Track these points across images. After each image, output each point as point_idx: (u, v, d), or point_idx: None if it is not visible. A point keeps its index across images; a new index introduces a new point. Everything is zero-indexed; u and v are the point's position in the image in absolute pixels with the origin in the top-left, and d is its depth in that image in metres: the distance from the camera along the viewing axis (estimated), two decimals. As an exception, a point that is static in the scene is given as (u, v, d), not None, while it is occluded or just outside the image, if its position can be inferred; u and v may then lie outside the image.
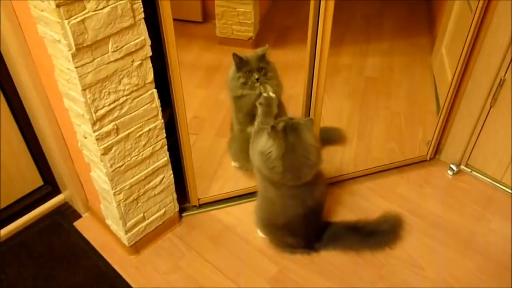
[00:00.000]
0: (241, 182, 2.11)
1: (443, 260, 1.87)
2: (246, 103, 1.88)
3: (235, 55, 1.81)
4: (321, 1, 1.57)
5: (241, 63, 1.82)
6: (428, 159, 2.26)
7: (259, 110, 1.76)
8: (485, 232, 1.96)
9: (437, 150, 2.27)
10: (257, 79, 1.81)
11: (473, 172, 2.20)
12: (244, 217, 2.02)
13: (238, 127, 1.98)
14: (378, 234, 1.90)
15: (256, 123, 1.79)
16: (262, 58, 1.82)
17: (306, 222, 1.79)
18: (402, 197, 2.10)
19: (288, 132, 1.60)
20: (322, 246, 1.89)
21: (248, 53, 1.85)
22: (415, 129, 2.37)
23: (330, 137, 2.27)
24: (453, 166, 2.22)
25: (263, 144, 1.63)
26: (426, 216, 2.03)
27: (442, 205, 2.07)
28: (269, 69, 1.84)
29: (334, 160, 2.23)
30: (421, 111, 2.47)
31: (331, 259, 1.87)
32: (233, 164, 2.19)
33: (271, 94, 1.81)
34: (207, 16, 2.79)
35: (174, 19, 1.51)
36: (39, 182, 2.01)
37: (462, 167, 2.23)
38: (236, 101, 1.92)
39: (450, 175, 2.21)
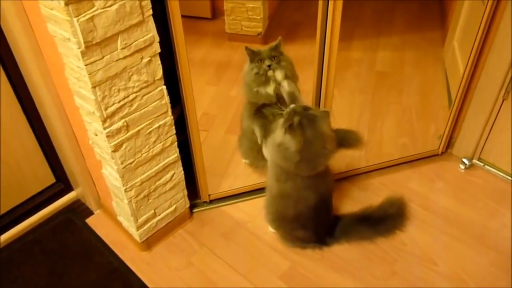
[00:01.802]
0: (251, 178, 2.11)
1: (456, 255, 1.85)
2: (260, 99, 1.86)
3: (247, 48, 1.80)
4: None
5: (253, 54, 1.81)
6: (440, 153, 2.24)
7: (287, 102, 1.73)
8: (498, 227, 1.94)
9: (449, 144, 2.25)
10: (269, 66, 1.78)
11: (486, 166, 2.18)
12: (255, 213, 2.02)
13: (247, 125, 1.98)
14: (387, 219, 1.90)
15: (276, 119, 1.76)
16: (275, 48, 1.80)
17: (317, 213, 1.79)
18: (414, 192, 2.09)
19: (304, 126, 1.58)
20: (335, 240, 1.89)
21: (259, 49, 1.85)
22: (426, 123, 2.35)
23: (346, 140, 2.24)
24: (465, 160, 2.19)
25: (280, 137, 1.62)
26: (438, 211, 2.01)
27: (455, 200, 2.05)
28: (282, 58, 1.81)
29: (345, 155, 2.22)
30: (433, 105, 2.45)
31: (343, 254, 1.86)
32: (244, 161, 2.19)
33: (280, 78, 1.78)
34: (216, 12, 2.79)
35: (183, 16, 1.51)
36: (51, 179, 2.03)
37: (475, 161, 2.20)
38: (250, 98, 1.89)
39: (463, 169, 2.19)
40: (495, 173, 2.15)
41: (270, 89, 1.82)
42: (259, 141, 1.92)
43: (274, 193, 1.81)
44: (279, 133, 1.63)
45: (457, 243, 1.89)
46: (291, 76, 1.83)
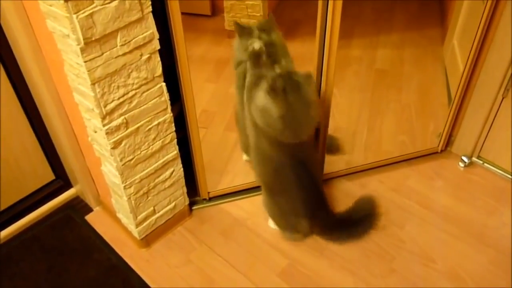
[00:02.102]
0: (251, 176, 2.11)
1: (454, 253, 1.85)
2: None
3: (236, 23, 1.75)
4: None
5: (242, 30, 1.75)
6: (439, 151, 2.24)
7: (248, 63, 1.69)
8: (497, 225, 1.94)
9: (449, 142, 2.25)
10: (259, 38, 1.72)
11: (485, 164, 2.18)
12: (254, 210, 2.03)
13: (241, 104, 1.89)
14: (359, 221, 1.91)
15: (248, 75, 1.72)
16: (265, 23, 1.76)
17: (302, 185, 1.74)
18: (412, 190, 2.09)
19: (288, 91, 1.54)
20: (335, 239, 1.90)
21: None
22: (426, 121, 2.35)
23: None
24: (464, 158, 2.19)
25: (263, 101, 1.58)
26: (437, 209, 2.01)
27: (454, 198, 2.06)
28: (273, 31, 1.75)
29: (344, 152, 2.22)
30: (432, 103, 2.45)
31: (342, 252, 1.86)
32: (244, 157, 2.19)
33: (256, 45, 1.71)
34: (216, 9, 2.78)
35: (183, 13, 1.51)
36: (50, 176, 2.03)
37: (474, 159, 2.21)
38: (240, 71, 1.82)
39: (462, 167, 2.19)
40: (495, 171, 2.16)
41: (255, 44, 1.73)
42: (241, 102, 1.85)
43: (255, 155, 1.78)
44: (261, 97, 1.59)
45: (456, 241, 1.89)
46: (283, 54, 1.77)
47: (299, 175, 1.73)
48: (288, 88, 1.55)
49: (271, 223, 1.95)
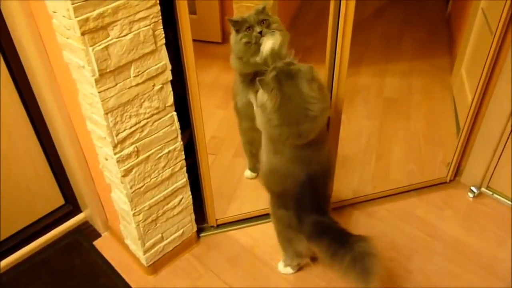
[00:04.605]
0: (259, 202, 2.12)
1: (463, 284, 1.83)
2: (249, 68, 1.70)
3: (229, 20, 1.65)
4: (340, 22, 1.58)
5: (238, 24, 1.65)
6: (448, 181, 2.24)
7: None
8: (506, 257, 1.92)
9: (457, 172, 2.24)
10: (260, 32, 1.62)
11: (495, 195, 2.17)
12: (262, 238, 2.02)
13: (242, 102, 1.83)
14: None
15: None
16: (261, 11, 1.64)
17: (301, 193, 1.60)
18: (421, 220, 2.08)
19: (282, 81, 1.45)
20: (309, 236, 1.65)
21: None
22: (435, 150, 2.35)
23: None
24: (474, 189, 2.18)
25: (260, 97, 1.50)
26: (446, 239, 2.00)
27: (463, 229, 2.04)
28: (272, 20, 1.65)
29: (352, 181, 2.22)
30: (441, 132, 2.45)
31: (348, 282, 1.85)
32: (247, 174, 2.19)
33: (268, 47, 1.61)
34: (227, 36, 2.82)
35: (194, 40, 1.53)
36: (60, 201, 2.05)
37: (483, 189, 2.20)
38: (243, 69, 1.74)
39: (471, 197, 2.18)
40: (504, 202, 2.14)
41: (259, 58, 1.66)
42: (254, 109, 1.70)
43: (264, 167, 1.66)
44: (259, 94, 1.51)
45: (464, 273, 1.88)
46: (284, 36, 1.68)
47: (301, 184, 1.58)
48: (282, 76, 1.45)
49: (281, 266, 1.91)
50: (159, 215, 1.77)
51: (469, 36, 2.36)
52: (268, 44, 1.63)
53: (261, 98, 1.50)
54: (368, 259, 1.49)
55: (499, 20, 1.77)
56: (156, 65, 1.45)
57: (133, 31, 1.34)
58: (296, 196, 1.61)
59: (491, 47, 1.84)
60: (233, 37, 1.72)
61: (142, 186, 1.64)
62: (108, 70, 1.34)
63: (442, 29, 3.16)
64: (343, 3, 1.53)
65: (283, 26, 1.71)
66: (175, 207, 1.81)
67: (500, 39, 1.81)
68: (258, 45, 1.65)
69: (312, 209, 1.62)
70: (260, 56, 1.66)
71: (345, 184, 2.20)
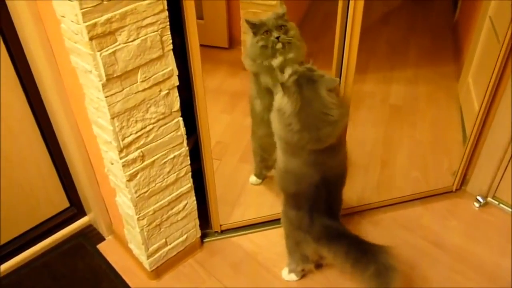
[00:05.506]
0: (264, 209, 2.11)
1: (468, 295, 1.82)
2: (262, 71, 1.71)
3: (247, 21, 1.65)
4: (347, 28, 1.58)
5: (256, 27, 1.65)
6: (453, 190, 2.23)
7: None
8: (510, 267, 1.92)
9: (463, 181, 2.23)
10: (277, 38, 1.63)
11: (501, 205, 2.16)
12: (265, 245, 2.02)
13: (260, 106, 1.83)
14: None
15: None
16: (281, 16, 1.65)
17: (316, 194, 1.61)
18: (426, 229, 2.07)
19: (303, 85, 1.47)
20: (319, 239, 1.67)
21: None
22: (440, 158, 2.34)
23: None
24: (479, 198, 2.17)
25: (279, 100, 1.51)
26: (450, 249, 1.99)
27: (468, 238, 2.03)
28: (290, 27, 1.67)
29: (356, 189, 2.21)
30: (446, 141, 2.44)
31: (353, 291, 1.84)
32: (251, 180, 2.19)
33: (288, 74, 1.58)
34: (233, 42, 2.83)
35: (201, 45, 1.53)
36: (65, 204, 2.05)
37: (489, 199, 2.18)
38: (257, 73, 1.75)
39: (477, 207, 2.17)
40: (510, 212, 2.13)
41: (275, 62, 1.68)
42: (271, 114, 1.68)
43: (280, 167, 1.67)
44: (278, 97, 1.53)
45: (468, 282, 1.86)
46: (301, 48, 1.70)
47: (316, 186, 1.60)
48: (302, 81, 1.47)
49: (285, 273, 1.90)
50: (163, 220, 1.77)
51: (477, 44, 2.35)
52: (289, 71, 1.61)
53: (280, 102, 1.52)
54: (392, 273, 1.54)
55: (507, 29, 1.76)
56: (163, 70, 1.45)
57: (141, 37, 1.34)
58: (310, 196, 1.63)
59: (499, 56, 1.83)
60: (249, 39, 1.71)
61: (146, 191, 1.64)
62: (115, 75, 1.34)
63: (448, 36, 3.16)
64: (351, 3, 1.52)
65: (299, 33, 1.71)
66: (179, 212, 1.81)
67: (508, 48, 1.80)
68: (274, 49, 1.66)
69: (324, 212, 1.65)
70: (280, 60, 1.67)
71: (349, 191, 2.19)
